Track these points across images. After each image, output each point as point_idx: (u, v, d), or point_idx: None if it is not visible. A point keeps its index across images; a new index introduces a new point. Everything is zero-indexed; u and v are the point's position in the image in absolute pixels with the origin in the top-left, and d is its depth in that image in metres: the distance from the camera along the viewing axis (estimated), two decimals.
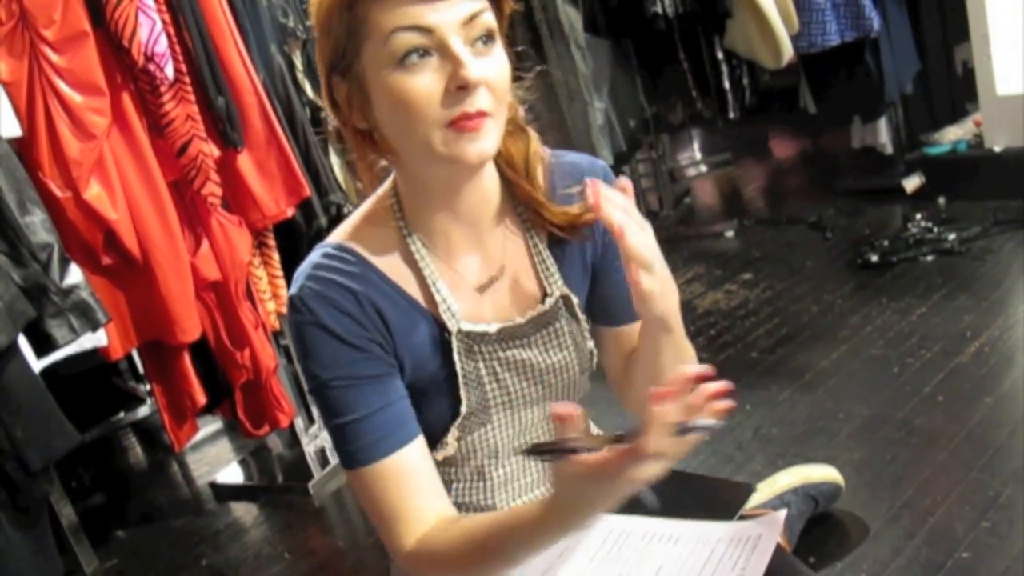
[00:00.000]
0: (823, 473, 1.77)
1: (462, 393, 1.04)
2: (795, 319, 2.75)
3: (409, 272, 1.03)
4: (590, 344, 1.13)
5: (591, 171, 1.10)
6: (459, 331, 1.03)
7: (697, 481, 1.21)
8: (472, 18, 0.90)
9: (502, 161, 1.05)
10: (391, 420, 0.99)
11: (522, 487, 1.15)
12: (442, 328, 1.03)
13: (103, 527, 2.58)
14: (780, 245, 3.43)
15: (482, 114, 0.91)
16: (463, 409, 1.05)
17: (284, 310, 2.42)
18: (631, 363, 1.12)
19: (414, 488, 0.99)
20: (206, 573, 2.24)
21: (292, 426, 2.55)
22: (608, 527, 1.11)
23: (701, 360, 2.94)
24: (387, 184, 1.05)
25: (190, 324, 2.19)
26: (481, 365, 1.05)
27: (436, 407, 1.06)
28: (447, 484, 1.12)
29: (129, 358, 2.84)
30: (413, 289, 1.03)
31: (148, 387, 2.72)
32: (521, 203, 1.07)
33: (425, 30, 0.89)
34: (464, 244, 1.05)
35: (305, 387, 2.66)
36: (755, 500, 1.69)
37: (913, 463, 1.91)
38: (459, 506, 1.14)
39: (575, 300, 1.10)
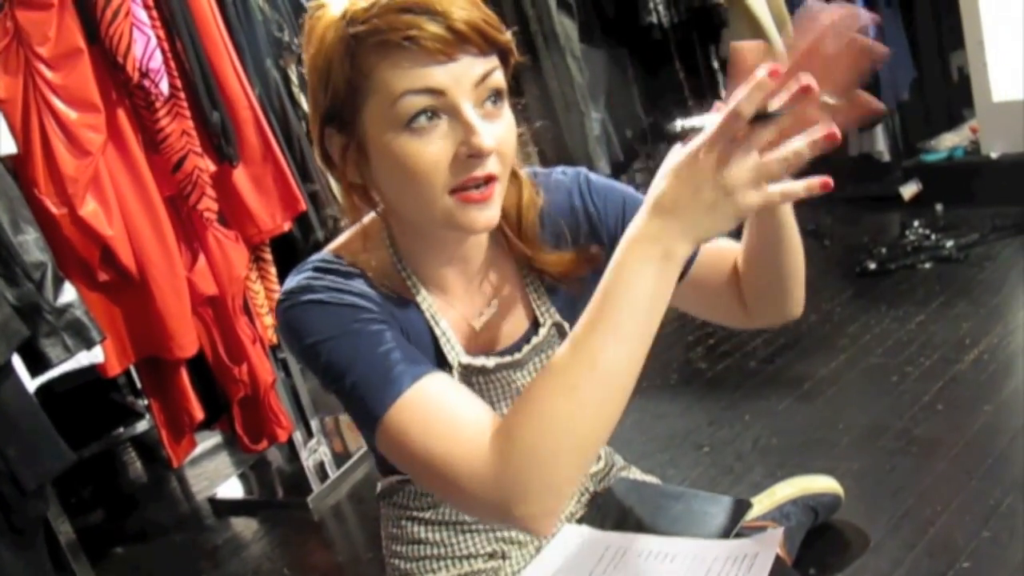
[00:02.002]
0: (823, 484, 1.76)
1: None
2: (793, 328, 2.74)
3: (408, 297, 1.01)
4: None
5: (573, 183, 1.09)
6: (459, 364, 1.02)
7: (694, 497, 1.20)
8: (484, 78, 0.86)
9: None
10: (405, 356, 0.89)
11: None
12: (443, 360, 1.02)
13: (102, 544, 2.57)
14: None
15: (490, 179, 0.87)
16: None
17: None
18: (740, 283, 1.07)
19: (459, 402, 0.87)
20: None
21: (291, 440, 2.55)
22: (604, 544, 1.11)
23: (698, 371, 2.91)
24: (376, 216, 1.01)
25: (187, 340, 2.18)
26: (480, 398, 1.04)
27: None
28: (439, 505, 1.11)
29: (127, 373, 2.84)
30: (417, 309, 1.02)
31: (146, 402, 2.71)
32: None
33: (436, 92, 0.84)
34: (457, 281, 1.03)
35: (304, 400, 2.65)
36: (755, 512, 1.68)
37: (913, 472, 1.90)
38: (452, 524, 1.14)
39: (568, 327, 1.09)
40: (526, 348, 1.06)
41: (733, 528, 1.12)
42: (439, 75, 0.84)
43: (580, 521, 1.19)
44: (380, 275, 0.99)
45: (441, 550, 1.17)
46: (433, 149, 0.86)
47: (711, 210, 0.78)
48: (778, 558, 1.05)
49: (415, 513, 1.15)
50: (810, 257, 0.97)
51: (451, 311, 1.03)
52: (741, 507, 1.15)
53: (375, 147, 0.89)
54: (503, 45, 0.88)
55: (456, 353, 1.02)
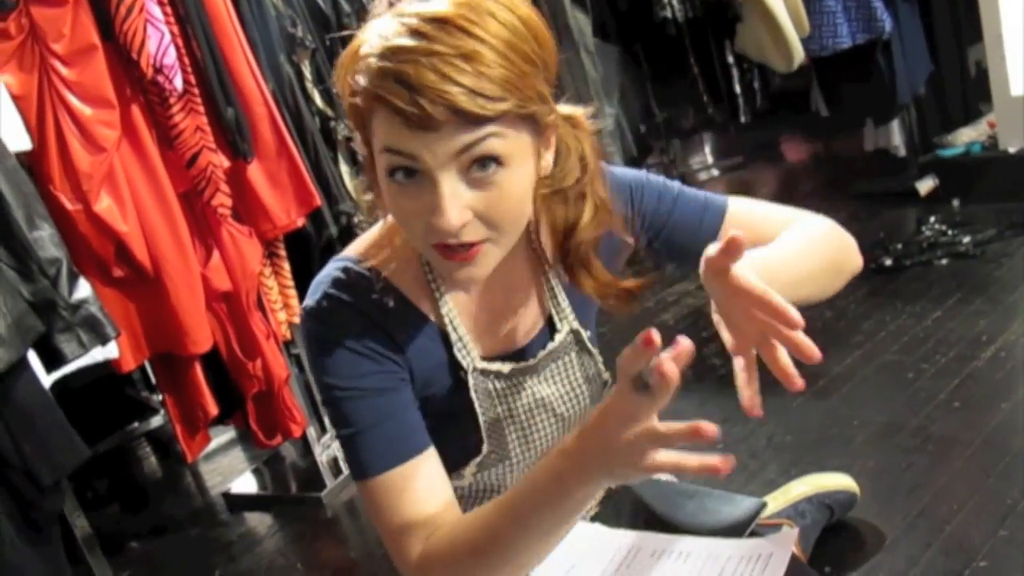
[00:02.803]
0: (838, 482, 1.75)
1: (483, 432, 1.04)
2: (808, 324, 2.69)
3: (428, 302, 1.02)
4: (605, 375, 1.12)
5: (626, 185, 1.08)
6: (474, 369, 1.02)
7: (708, 496, 1.19)
8: (466, 149, 0.82)
9: (538, 223, 1.03)
10: (401, 431, 0.97)
11: None
12: (457, 365, 1.02)
13: (117, 538, 2.58)
14: None
15: (470, 245, 0.86)
16: (485, 448, 1.05)
17: (295, 320, 2.42)
18: None
19: (424, 498, 0.96)
20: None
21: (305, 436, 2.55)
22: (618, 543, 1.10)
23: (712, 367, 2.88)
24: None
25: (201, 335, 2.19)
26: (497, 402, 1.05)
27: (455, 442, 1.05)
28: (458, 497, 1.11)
29: (142, 368, 2.85)
30: (432, 319, 1.02)
31: (161, 397, 2.73)
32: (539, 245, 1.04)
33: (410, 156, 0.83)
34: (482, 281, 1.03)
35: (318, 397, 2.66)
36: (770, 509, 1.67)
37: (929, 471, 1.88)
38: None
39: (585, 335, 1.10)
40: (541, 353, 1.07)
41: (748, 527, 1.11)
42: (414, 143, 0.82)
43: (594, 519, 1.19)
44: (404, 276, 1.00)
45: None
46: (410, 206, 0.86)
47: (613, 470, 0.79)
48: (793, 556, 1.05)
49: None
50: None
51: (471, 311, 1.04)
52: (756, 506, 1.14)
53: (380, 177, 0.89)
54: (498, 116, 0.82)
55: (471, 358, 1.02)
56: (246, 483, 2.77)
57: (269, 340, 2.33)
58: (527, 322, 1.07)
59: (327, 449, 2.60)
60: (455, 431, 1.04)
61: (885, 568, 1.65)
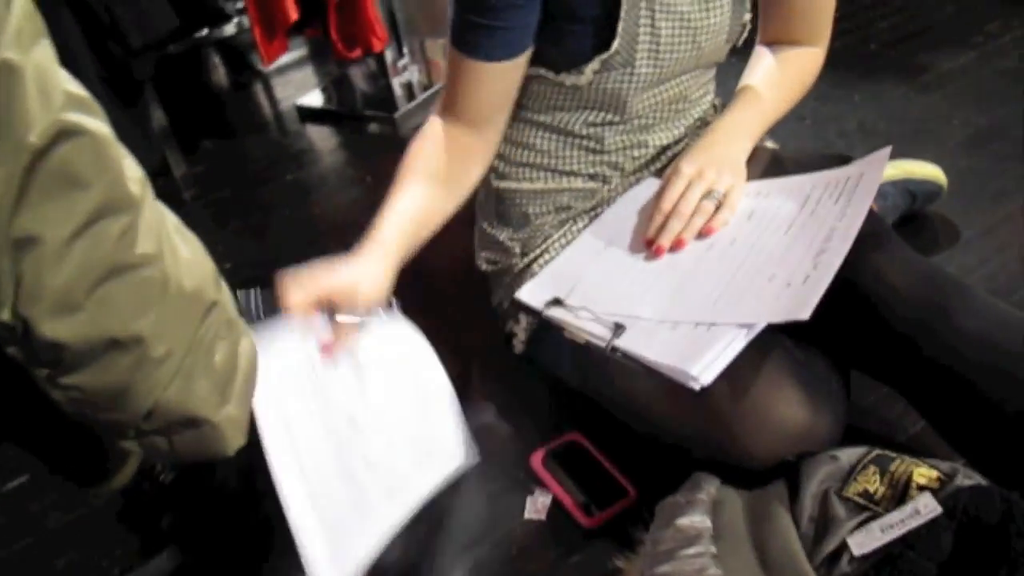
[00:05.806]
0: (927, 171, 1.69)
1: (619, 27, 1.02)
2: (926, 16, 2.53)
3: None
4: (747, 16, 1.10)
5: None
6: None
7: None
8: None
9: None
10: (512, 37, 1.01)
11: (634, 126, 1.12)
12: None
13: (191, 136, 2.61)
14: None
15: None
16: (614, 45, 1.03)
17: None
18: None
19: (482, 97, 1.05)
20: (290, 186, 2.30)
21: (379, 59, 2.50)
22: None
23: None
24: None
25: None
26: (643, 5, 1.01)
27: (587, 37, 1.04)
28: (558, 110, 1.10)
29: None
30: None
31: (236, 5, 2.64)
32: None
33: None
34: None
35: (398, 18, 2.57)
36: None
37: (1020, 180, 1.82)
38: (565, 134, 1.13)
39: None
40: None
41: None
42: None
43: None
44: None
45: (547, 160, 1.17)
46: None
47: None
48: (872, 211, 1.02)
49: (531, 115, 1.15)
50: None
51: None
52: (839, 158, 1.13)
53: None
54: None
55: None
56: (315, 98, 2.74)
57: None
58: None
59: (403, 73, 2.55)
60: (591, 27, 1.03)
61: (955, 262, 1.64)
